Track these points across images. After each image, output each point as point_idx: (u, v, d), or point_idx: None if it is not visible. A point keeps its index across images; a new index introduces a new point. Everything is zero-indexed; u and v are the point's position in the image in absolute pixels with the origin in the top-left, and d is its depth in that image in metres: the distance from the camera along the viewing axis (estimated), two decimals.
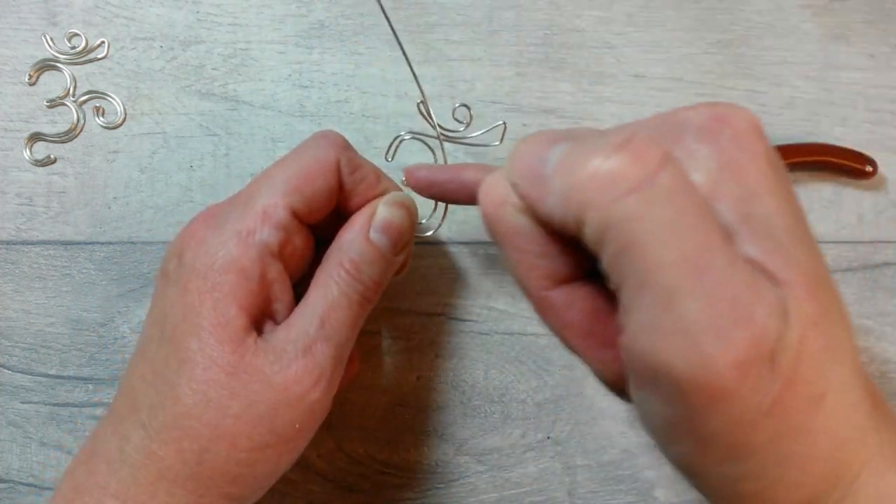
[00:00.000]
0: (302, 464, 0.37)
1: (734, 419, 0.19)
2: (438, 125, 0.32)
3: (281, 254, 0.28)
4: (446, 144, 0.32)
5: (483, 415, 0.38)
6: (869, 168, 0.38)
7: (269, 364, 0.27)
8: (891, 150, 0.40)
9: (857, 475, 0.21)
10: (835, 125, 0.40)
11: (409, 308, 0.38)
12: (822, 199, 0.39)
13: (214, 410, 0.26)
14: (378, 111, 0.38)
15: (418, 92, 0.38)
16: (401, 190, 0.32)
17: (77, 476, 0.28)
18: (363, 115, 0.39)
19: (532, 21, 0.39)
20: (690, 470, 0.22)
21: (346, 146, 0.30)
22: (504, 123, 0.32)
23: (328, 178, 0.29)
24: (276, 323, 0.29)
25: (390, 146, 0.32)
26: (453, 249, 0.38)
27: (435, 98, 0.38)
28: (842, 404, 0.20)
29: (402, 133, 0.32)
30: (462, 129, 0.32)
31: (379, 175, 0.31)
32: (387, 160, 0.32)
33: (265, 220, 0.28)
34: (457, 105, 0.32)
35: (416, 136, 0.32)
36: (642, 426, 0.23)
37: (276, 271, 0.28)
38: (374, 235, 0.29)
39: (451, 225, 0.38)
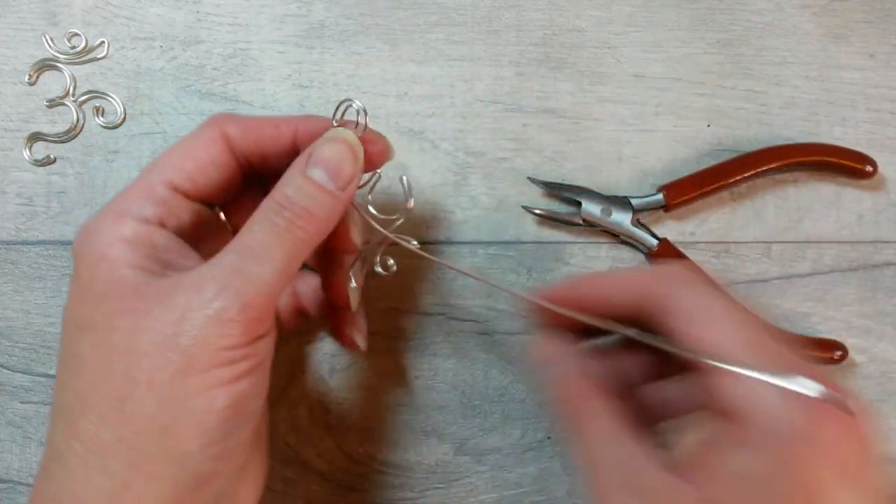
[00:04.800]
0: (301, 463, 0.37)
1: None
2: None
3: (165, 225, 0.28)
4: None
5: (483, 415, 0.38)
6: (869, 168, 0.38)
7: (171, 286, 0.25)
8: (891, 150, 0.40)
9: None
10: (835, 125, 0.40)
11: (409, 308, 0.38)
12: (822, 199, 0.39)
13: (119, 359, 0.25)
14: (378, 111, 0.38)
15: (419, 92, 0.38)
16: (317, 119, 0.30)
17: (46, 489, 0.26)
18: None
19: (532, 21, 0.39)
20: None
21: (228, 118, 0.30)
22: (378, 174, 0.31)
23: (210, 150, 0.29)
24: None
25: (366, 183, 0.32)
26: (453, 249, 0.38)
27: (435, 97, 0.39)
28: None
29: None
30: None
31: (278, 123, 0.30)
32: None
33: (139, 197, 0.28)
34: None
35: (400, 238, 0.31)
36: None
37: (166, 238, 0.28)
38: (310, 171, 0.28)
39: (451, 225, 0.38)
